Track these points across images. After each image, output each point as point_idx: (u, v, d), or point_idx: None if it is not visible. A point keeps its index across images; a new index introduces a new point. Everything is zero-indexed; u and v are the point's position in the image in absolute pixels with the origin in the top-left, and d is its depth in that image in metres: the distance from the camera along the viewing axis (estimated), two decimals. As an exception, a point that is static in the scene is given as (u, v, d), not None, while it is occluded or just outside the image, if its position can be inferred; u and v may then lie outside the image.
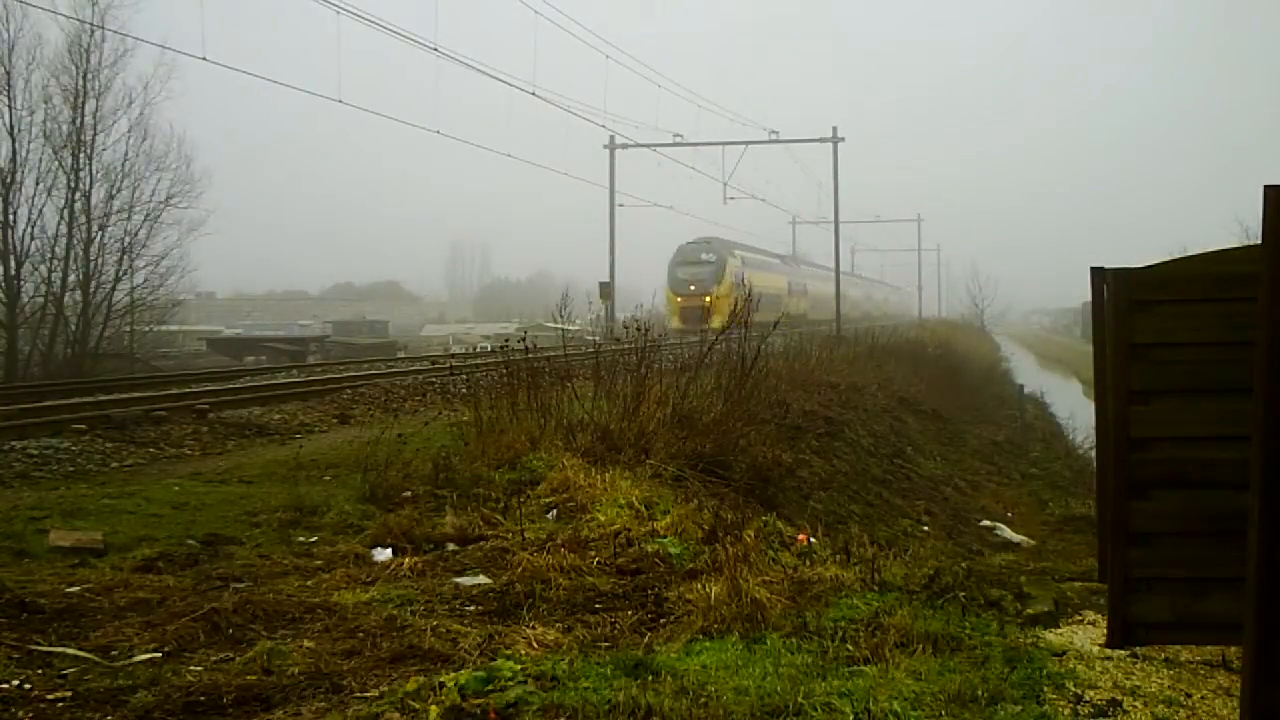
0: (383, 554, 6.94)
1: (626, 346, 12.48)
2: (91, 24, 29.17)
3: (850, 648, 4.74)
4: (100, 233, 30.50)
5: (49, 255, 29.69)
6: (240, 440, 12.77)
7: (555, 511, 7.82)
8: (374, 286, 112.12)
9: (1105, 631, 4.97)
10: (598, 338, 20.18)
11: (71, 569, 6.39)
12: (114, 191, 30.65)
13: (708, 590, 5.45)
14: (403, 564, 6.63)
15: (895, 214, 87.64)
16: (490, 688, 4.18)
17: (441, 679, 4.26)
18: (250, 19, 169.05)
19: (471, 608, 5.74)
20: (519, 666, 4.42)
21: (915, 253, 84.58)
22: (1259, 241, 3.67)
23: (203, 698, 4.26)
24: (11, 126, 28.97)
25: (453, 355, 28.19)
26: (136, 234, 30.95)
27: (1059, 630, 5.19)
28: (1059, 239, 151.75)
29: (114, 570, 6.37)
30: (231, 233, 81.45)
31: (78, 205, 30.02)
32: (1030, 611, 5.39)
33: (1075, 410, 29.31)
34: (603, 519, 7.36)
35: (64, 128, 30.00)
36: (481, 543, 7.12)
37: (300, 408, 15.43)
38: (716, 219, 62.79)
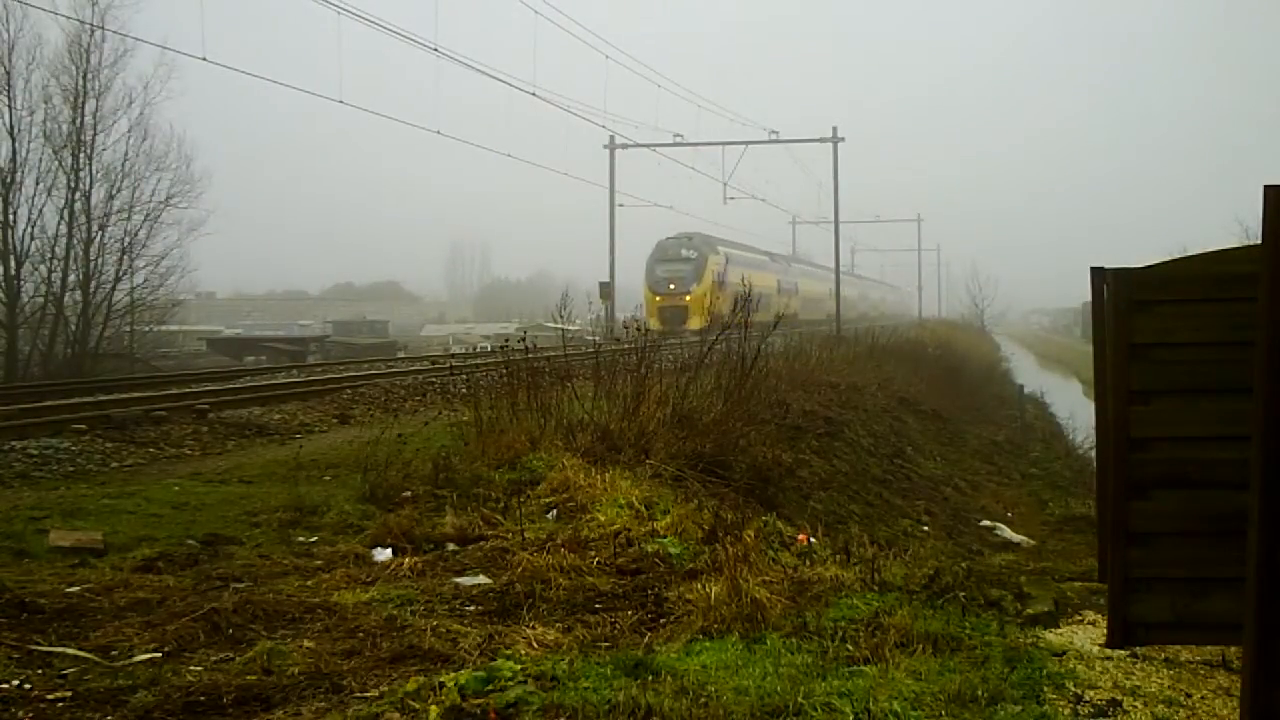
0: (383, 554, 6.94)
1: (626, 346, 12.48)
2: (91, 24, 29.24)
3: (850, 648, 4.74)
4: (100, 233, 30.57)
5: (49, 255, 29.77)
6: (240, 440, 12.77)
7: (555, 511, 7.82)
8: (374, 286, 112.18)
9: (1105, 631, 4.97)
10: (598, 338, 20.18)
11: (71, 569, 6.39)
12: (114, 191, 30.74)
13: (708, 590, 5.45)
14: (403, 564, 6.63)
15: (895, 214, 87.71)
16: (490, 688, 4.18)
17: (441, 679, 4.26)
18: (250, 19, 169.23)
19: (471, 608, 5.74)
20: (519, 666, 4.42)
21: (915, 253, 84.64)
22: (1259, 241, 3.67)
23: (203, 698, 4.26)
24: (11, 126, 29.06)
25: (453, 355, 28.21)
26: (136, 234, 31.04)
27: (1059, 630, 5.19)
28: (1059, 239, 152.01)
29: (114, 570, 6.37)
30: (231, 233, 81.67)
31: (78, 205, 30.08)
32: (1030, 611, 5.38)
33: (1075, 410, 29.30)
34: (603, 519, 7.36)
35: (64, 128, 30.08)
36: (481, 543, 7.12)
37: (300, 408, 15.43)
38: (717, 219, 62.85)
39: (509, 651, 4.77)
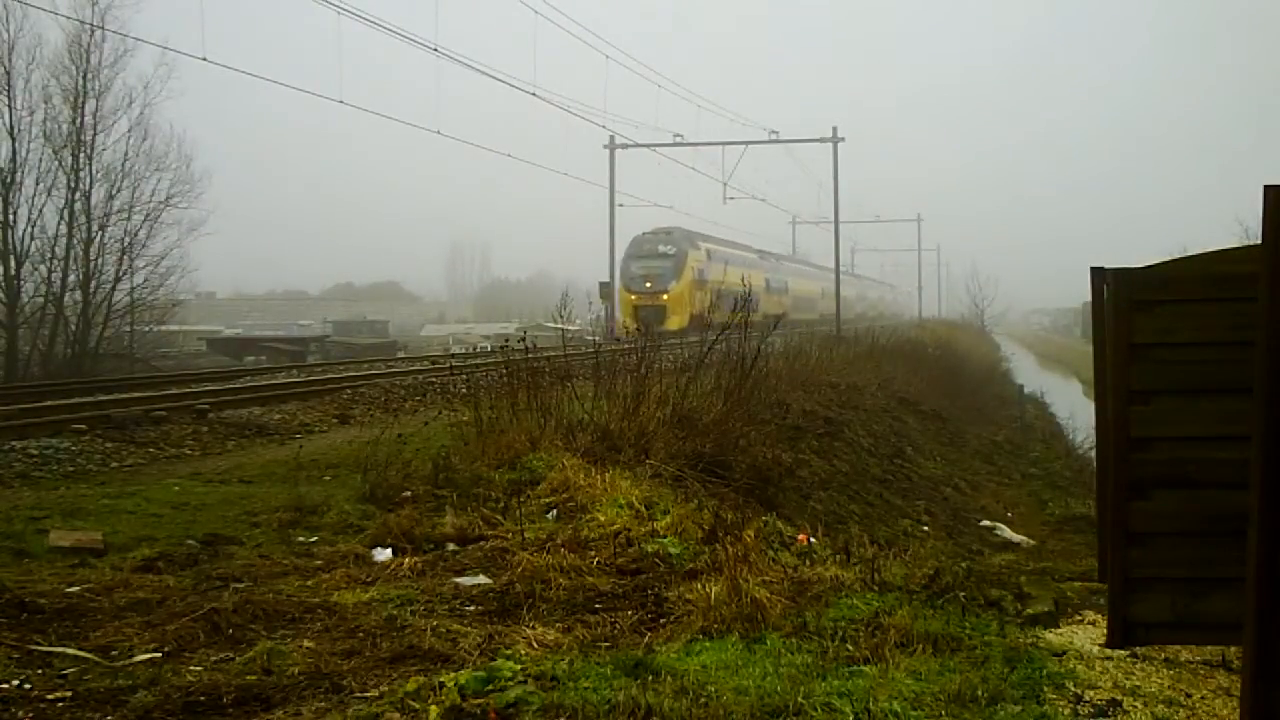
0: (383, 554, 6.94)
1: (626, 346, 12.48)
2: (91, 24, 29.23)
3: (850, 648, 4.74)
4: (100, 233, 30.55)
5: (49, 255, 29.76)
6: (240, 440, 12.77)
7: (555, 511, 7.82)
8: (374, 286, 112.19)
9: (1105, 631, 4.97)
10: (598, 338, 20.13)
11: (71, 569, 6.38)
12: (114, 191, 30.72)
13: (708, 590, 5.45)
14: (403, 564, 6.63)
15: (895, 214, 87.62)
16: (490, 688, 4.18)
17: (441, 679, 4.26)
18: (250, 19, 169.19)
19: (471, 608, 5.74)
20: (519, 666, 4.42)
21: (915, 252, 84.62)
22: (1259, 241, 3.67)
23: (203, 698, 4.26)
24: (11, 126, 29.06)
25: (453, 355, 28.22)
26: (136, 234, 31.02)
27: (1059, 630, 5.18)
28: (1059, 239, 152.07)
29: (114, 570, 6.37)
30: (231, 233, 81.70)
31: (78, 205, 30.07)
32: (1030, 611, 5.38)
33: (1075, 410, 29.33)
34: (603, 519, 7.36)
35: (64, 128, 30.07)
36: (481, 543, 7.12)
37: (300, 408, 15.44)
38: (717, 219, 62.72)
39: (509, 651, 4.77)
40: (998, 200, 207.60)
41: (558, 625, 5.36)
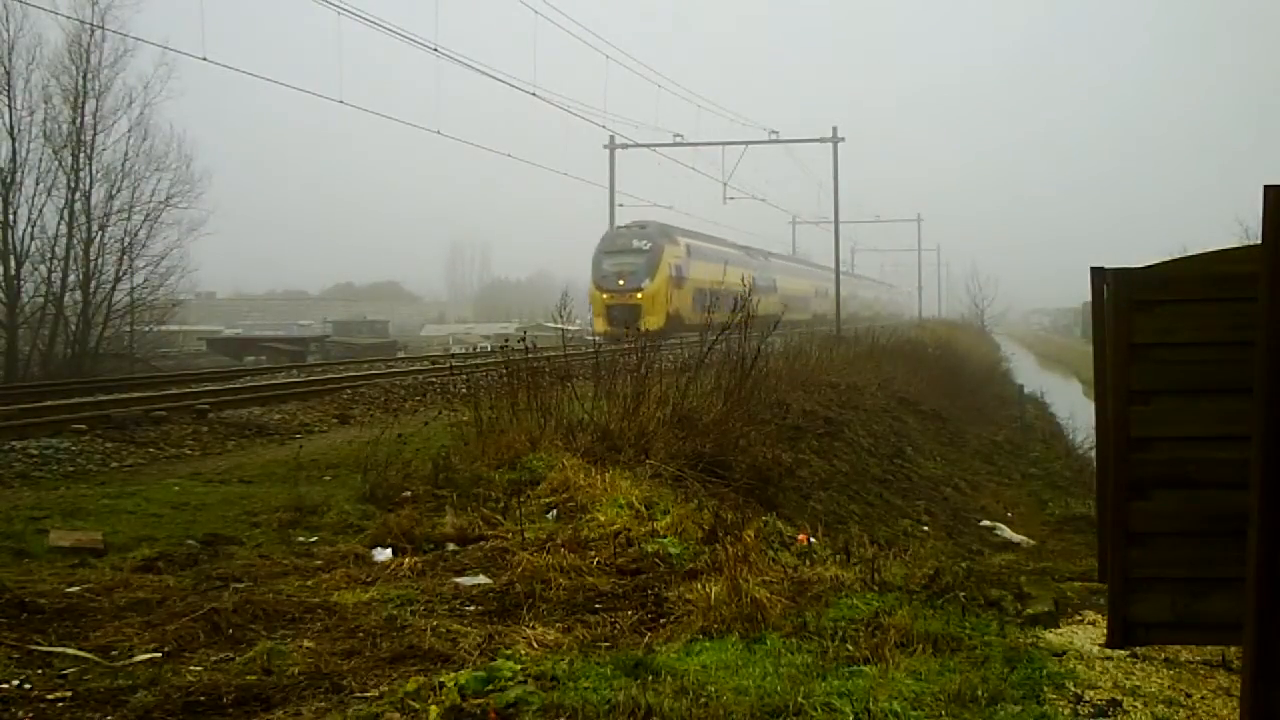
0: (383, 554, 6.94)
1: (626, 346, 12.47)
2: (91, 24, 29.22)
3: (850, 648, 4.74)
4: (100, 233, 30.53)
5: (49, 255, 29.74)
6: (240, 440, 12.78)
7: (555, 511, 7.82)
8: (374, 286, 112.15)
9: (1105, 631, 4.97)
10: (598, 337, 20.07)
11: (71, 569, 6.38)
12: (114, 191, 30.69)
13: (708, 590, 5.45)
14: (403, 564, 6.63)
15: (895, 213, 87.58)
16: (490, 688, 4.18)
17: (441, 679, 4.26)
18: (250, 19, 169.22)
19: (471, 608, 5.74)
20: (519, 666, 4.42)
21: (915, 252, 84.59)
22: (1259, 241, 3.67)
23: (203, 698, 4.26)
24: (11, 126, 29.03)
25: (453, 355, 28.21)
26: (136, 234, 30.99)
27: (1059, 630, 5.18)
28: (1059, 239, 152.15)
29: (114, 570, 6.37)
30: (231, 233, 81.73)
31: (78, 205, 30.05)
32: (1030, 611, 5.38)
33: (1075, 410, 29.34)
34: (603, 519, 7.36)
35: (64, 128, 30.04)
36: (481, 543, 7.12)
37: (300, 408, 15.44)
38: (717, 219, 62.75)
39: (509, 651, 4.77)
40: (998, 200, 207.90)
41: (558, 625, 5.35)
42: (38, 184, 29.54)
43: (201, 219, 32.64)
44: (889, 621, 4.93)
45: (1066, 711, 4.11)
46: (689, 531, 7.08)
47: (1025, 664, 4.55)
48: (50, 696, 4.31)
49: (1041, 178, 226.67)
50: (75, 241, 29.95)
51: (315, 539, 7.46)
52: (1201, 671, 4.59)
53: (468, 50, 42.55)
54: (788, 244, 69.36)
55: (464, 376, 16.69)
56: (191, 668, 4.64)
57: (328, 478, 9.79)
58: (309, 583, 6.16)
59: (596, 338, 23.79)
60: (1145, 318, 4.81)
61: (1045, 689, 4.30)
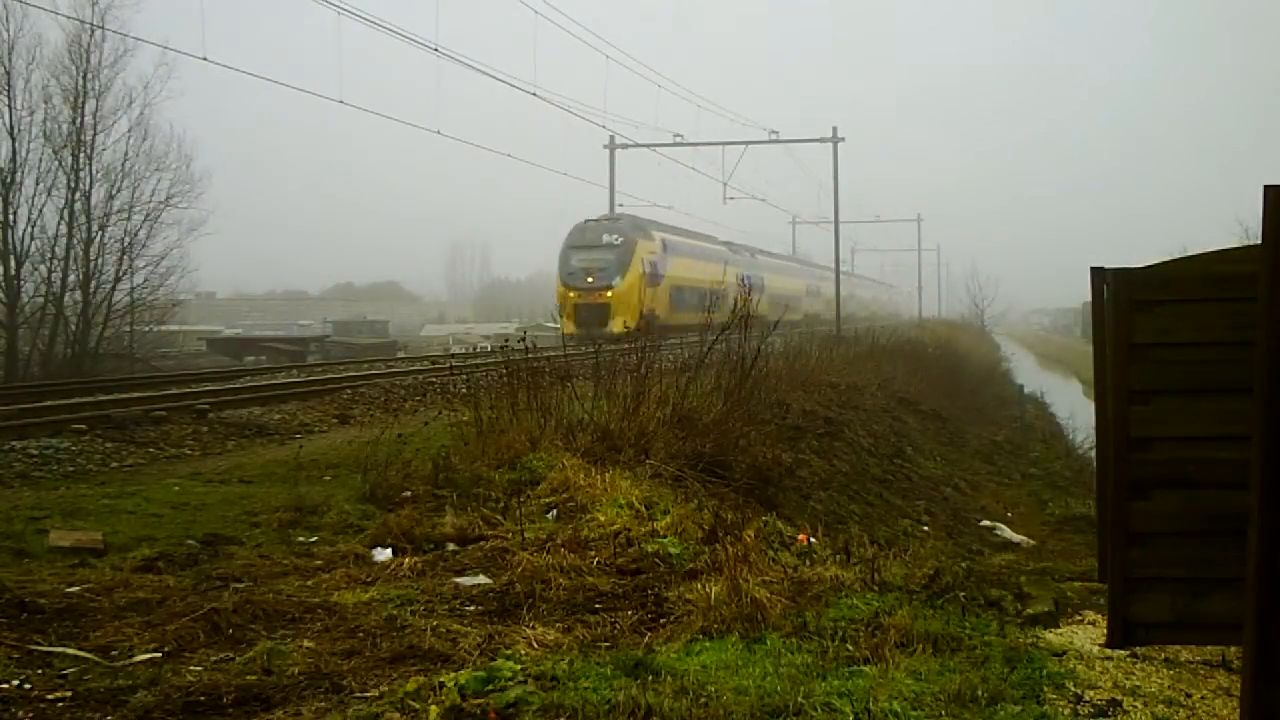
0: (383, 554, 6.94)
1: (626, 346, 12.47)
2: (91, 24, 29.22)
3: (850, 648, 4.74)
4: (100, 233, 30.52)
5: (49, 255, 29.73)
6: (240, 440, 12.78)
7: (555, 511, 7.82)
8: (374, 286, 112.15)
9: (1105, 631, 4.97)
10: (567, 339, 19.87)
11: (71, 569, 6.38)
12: (114, 191, 30.68)
13: (708, 590, 5.45)
14: (403, 564, 6.63)
15: (895, 213, 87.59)
16: (490, 688, 4.18)
17: (441, 679, 4.26)
18: (250, 19, 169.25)
19: (471, 608, 5.74)
20: (519, 666, 4.42)
21: (915, 252, 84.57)
22: (1259, 241, 3.67)
23: (203, 698, 4.26)
24: (11, 126, 29.02)
25: (453, 355, 28.17)
26: (136, 234, 30.98)
27: (1059, 630, 5.18)
28: (1059, 239, 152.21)
29: (114, 570, 6.37)
30: (231, 233, 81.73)
31: (78, 205, 30.04)
32: (1030, 611, 5.38)
33: (1075, 410, 29.34)
34: (603, 519, 7.36)
35: (64, 128, 30.04)
36: (481, 543, 7.12)
37: (300, 408, 15.44)
38: (717, 219, 62.68)
39: (509, 651, 4.77)
40: (998, 200, 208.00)
41: (558, 625, 5.35)
42: (38, 184, 29.58)
43: (201, 219, 32.69)
44: (889, 621, 4.93)
45: (1066, 711, 4.11)
46: (689, 531, 7.08)
47: (1025, 664, 4.55)
48: (50, 696, 4.31)
49: (1041, 178, 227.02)
50: (75, 241, 29.97)
51: (315, 539, 7.46)
52: (1201, 671, 4.59)
53: (468, 50, 42.60)
54: (788, 244, 69.44)
55: (464, 376, 16.68)
56: (191, 668, 4.64)
57: (328, 478, 9.79)
58: (309, 583, 6.16)
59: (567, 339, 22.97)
60: (1145, 318, 4.81)
61: (1045, 689, 4.30)
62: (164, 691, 4.30)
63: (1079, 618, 5.38)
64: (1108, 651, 4.82)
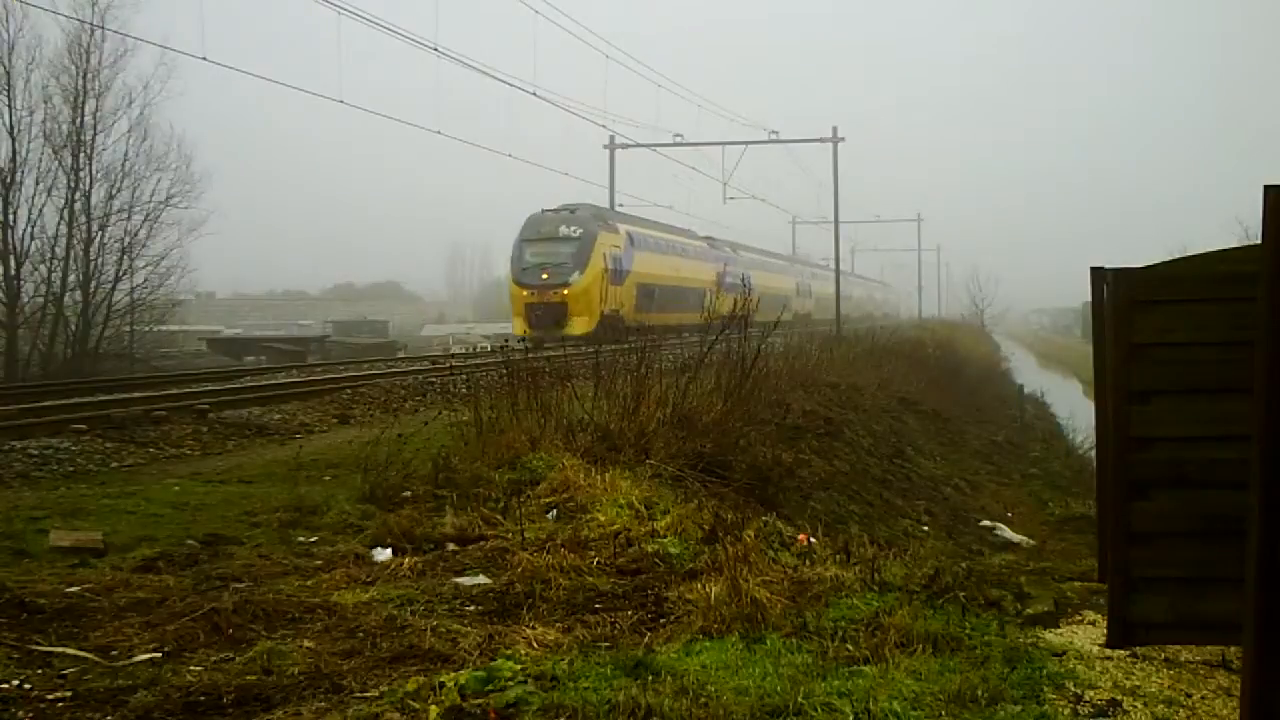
0: (383, 554, 6.94)
1: (626, 346, 12.47)
2: (91, 24, 29.25)
3: (850, 648, 4.74)
4: (100, 233, 30.60)
5: (49, 255, 29.80)
6: (240, 440, 12.78)
7: (555, 511, 7.82)
8: (374, 286, 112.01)
9: (1105, 631, 4.97)
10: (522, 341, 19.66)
11: (71, 569, 6.38)
12: (114, 191, 30.77)
13: (708, 590, 5.45)
14: (403, 564, 6.63)
15: (895, 213, 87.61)
16: (490, 688, 4.18)
17: (441, 679, 4.26)
18: (250, 19, 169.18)
19: (471, 608, 5.74)
20: (519, 666, 4.42)
21: (915, 252, 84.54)
22: (1259, 241, 3.67)
23: (203, 698, 4.26)
24: (11, 126, 29.08)
25: (453, 355, 28.17)
26: (136, 234, 31.06)
27: (1059, 630, 5.18)
28: (1059, 238, 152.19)
29: (114, 570, 6.36)
30: (231, 233, 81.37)
31: (78, 205, 30.10)
32: (1030, 611, 5.39)
33: (1075, 410, 29.35)
34: (603, 519, 7.36)
35: (64, 128, 30.10)
36: (481, 543, 7.12)
37: (300, 408, 15.43)
38: (717, 219, 62.60)
39: (509, 651, 4.77)
40: (998, 200, 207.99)
41: (558, 625, 5.35)
42: (38, 184, 29.64)
43: (201, 219, 32.78)
44: (889, 621, 4.93)
45: (1066, 711, 4.11)
46: (689, 531, 7.08)
47: (1025, 664, 4.55)
48: (50, 696, 4.31)
49: (1042, 177, 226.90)
50: (75, 241, 30.01)
51: (315, 539, 7.45)
52: (1201, 671, 4.59)
53: (468, 50, 42.56)
54: (788, 243, 69.39)
55: (464, 376, 16.68)
56: (191, 668, 4.64)
57: (328, 478, 9.79)
58: (309, 583, 6.16)
59: (522, 341, 20.45)
60: (1145, 318, 4.81)
61: (1045, 689, 4.30)
62: (164, 691, 4.30)
63: (1079, 618, 5.38)
64: (1108, 651, 4.82)
